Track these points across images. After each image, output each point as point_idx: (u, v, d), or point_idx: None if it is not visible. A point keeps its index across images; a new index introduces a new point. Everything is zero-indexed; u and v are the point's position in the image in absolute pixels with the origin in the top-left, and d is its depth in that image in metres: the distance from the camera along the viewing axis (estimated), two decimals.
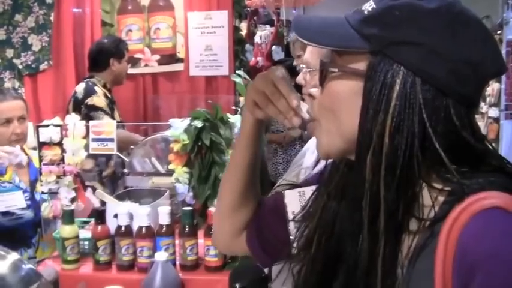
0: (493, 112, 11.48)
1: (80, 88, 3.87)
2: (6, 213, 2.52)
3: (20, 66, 4.68)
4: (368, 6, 0.91)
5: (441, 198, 0.84)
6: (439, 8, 0.86)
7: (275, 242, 1.18)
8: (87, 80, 3.97)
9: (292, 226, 1.11)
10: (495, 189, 0.80)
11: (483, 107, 11.93)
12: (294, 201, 1.14)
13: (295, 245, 1.08)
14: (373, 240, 0.87)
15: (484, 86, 0.90)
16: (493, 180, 0.82)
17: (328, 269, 0.98)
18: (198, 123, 2.23)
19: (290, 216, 1.13)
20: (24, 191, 2.61)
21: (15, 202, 2.56)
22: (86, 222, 2.55)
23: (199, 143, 2.23)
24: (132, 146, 3.31)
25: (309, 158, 1.78)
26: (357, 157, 0.89)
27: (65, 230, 2.25)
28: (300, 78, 1.69)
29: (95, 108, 3.72)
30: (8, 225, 2.53)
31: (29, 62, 4.69)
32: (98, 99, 3.77)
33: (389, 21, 0.87)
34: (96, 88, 3.84)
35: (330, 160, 1.04)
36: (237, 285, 0.89)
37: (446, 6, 0.86)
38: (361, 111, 0.87)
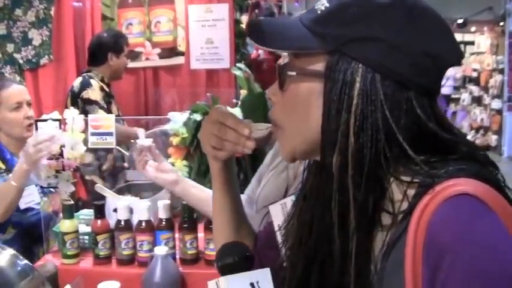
0: (496, 104, 11.52)
1: (77, 82, 3.88)
2: (26, 210, 2.54)
3: (21, 61, 4.67)
4: (321, 5, 0.90)
5: (411, 191, 0.83)
6: (393, 2, 0.85)
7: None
8: (85, 74, 3.97)
9: (279, 237, 1.11)
10: (464, 177, 0.80)
11: (486, 98, 11.96)
12: (278, 214, 1.15)
13: (282, 253, 1.07)
14: (345, 240, 0.87)
15: (443, 75, 0.90)
16: (462, 168, 0.82)
17: (307, 272, 0.98)
18: (197, 117, 2.22)
19: (276, 229, 1.13)
20: (36, 185, 2.62)
21: (33, 197, 2.57)
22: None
23: (199, 136, 2.22)
24: (132, 140, 3.30)
25: None
26: (322, 158, 0.89)
27: (65, 225, 2.25)
28: None
29: (89, 101, 3.72)
30: (30, 221, 2.53)
31: (30, 57, 4.68)
32: (93, 93, 3.77)
33: (344, 18, 0.86)
34: (92, 81, 3.84)
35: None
36: (224, 262, 0.89)
37: (400, 0, 0.86)
38: (323, 112, 0.87)
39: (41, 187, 2.51)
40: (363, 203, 0.85)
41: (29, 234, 2.53)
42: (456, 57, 0.89)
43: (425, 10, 0.87)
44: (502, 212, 0.76)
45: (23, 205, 2.51)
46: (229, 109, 2.32)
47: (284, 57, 0.97)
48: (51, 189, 2.53)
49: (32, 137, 2.37)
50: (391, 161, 0.84)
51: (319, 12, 0.89)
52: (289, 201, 1.13)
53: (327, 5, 0.89)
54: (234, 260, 0.91)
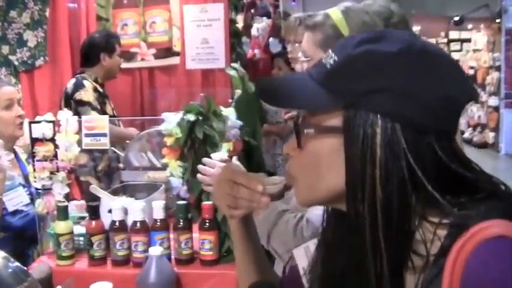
0: (493, 101, 11.54)
1: (70, 83, 3.88)
2: (15, 212, 2.53)
3: (16, 63, 4.65)
4: (329, 59, 0.89)
5: (442, 232, 0.83)
6: (400, 50, 0.85)
7: None
8: (78, 75, 3.97)
9: (305, 281, 1.11)
10: (495, 217, 0.79)
11: (483, 96, 11.95)
12: (302, 257, 1.14)
13: None
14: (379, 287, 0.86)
15: (460, 114, 0.90)
16: (492, 208, 0.81)
17: None
18: (191, 117, 2.21)
19: (301, 272, 1.13)
20: (24, 186, 2.61)
21: (21, 199, 2.56)
22: (82, 218, 2.53)
23: (193, 137, 2.22)
24: (127, 141, 3.30)
25: None
26: (350, 212, 0.88)
27: (59, 226, 2.25)
28: (298, 68, 1.69)
29: (81, 103, 3.72)
30: (19, 224, 2.53)
31: (25, 58, 4.67)
32: (86, 94, 3.77)
33: (354, 72, 0.85)
34: (85, 82, 3.84)
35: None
36: None
37: (408, 47, 0.85)
38: (347, 167, 0.86)
39: (36, 189, 2.51)
40: (394, 253, 0.85)
41: (20, 236, 2.52)
42: (469, 94, 0.89)
43: (434, 54, 0.87)
44: None
45: (11, 207, 2.50)
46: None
47: (299, 113, 0.96)
48: (40, 191, 2.51)
49: None
50: (419, 204, 0.84)
51: (328, 67, 0.89)
52: (312, 244, 1.12)
53: (335, 58, 0.88)
54: None
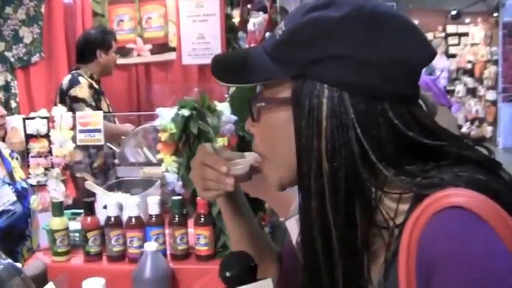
0: (491, 95, 11.53)
1: (65, 80, 3.86)
2: (2, 213, 2.51)
3: (12, 59, 4.65)
4: (279, 30, 0.87)
5: (405, 205, 0.81)
6: (349, 14, 0.81)
7: None
8: (74, 71, 3.96)
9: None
10: (457, 186, 0.76)
11: (480, 90, 11.95)
12: (294, 229, 1.13)
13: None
14: (330, 268, 0.84)
15: (418, 77, 0.86)
16: (455, 176, 0.78)
17: None
18: (185, 112, 2.21)
19: (294, 243, 1.12)
20: (9, 184, 2.60)
21: (7, 197, 2.55)
22: (77, 214, 2.53)
23: (187, 132, 2.21)
24: (123, 137, 3.30)
25: None
26: (299, 186, 0.86)
27: (55, 222, 2.24)
28: None
29: (76, 99, 3.70)
30: (4, 225, 2.52)
31: (21, 55, 4.66)
32: (81, 90, 3.75)
33: (302, 40, 0.83)
34: (80, 79, 3.82)
35: None
36: (227, 274, 0.88)
37: (356, 10, 0.82)
38: (296, 139, 0.84)
39: (31, 185, 2.50)
40: (345, 228, 0.82)
41: (8, 235, 2.50)
42: (426, 55, 0.85)
43: (384, 15, 0.83)
44: (496, 222, 0.72)
45: None
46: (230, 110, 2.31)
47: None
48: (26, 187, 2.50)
49: None
50: (377, 177, 0.81)
51: (277, 37, 0.86)
52: None
53: (284, 28, 0.86)
54: (239, 270, 0.90)
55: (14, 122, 2.98)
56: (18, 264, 1.47)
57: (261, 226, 2.30)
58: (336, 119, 0.80)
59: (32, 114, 2.45)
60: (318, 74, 0.82)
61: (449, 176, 0.78)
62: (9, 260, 1.36)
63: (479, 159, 0.82)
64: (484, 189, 0.75)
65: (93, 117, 2.48)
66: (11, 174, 2.66)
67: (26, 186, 2.61)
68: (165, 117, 2.24)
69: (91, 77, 3.92)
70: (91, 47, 3.96)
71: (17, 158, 2.79)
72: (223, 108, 2.29)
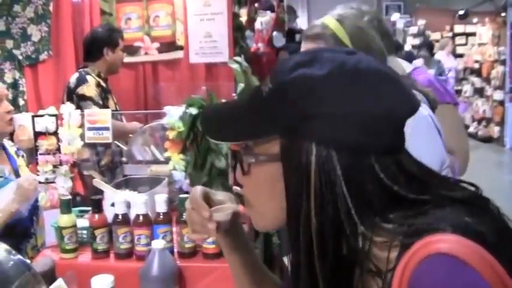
0: (498, 95, 11.50)
1: (73, 78, 3.87)
2: None
3: (20, 57, 4.67)
4: (265, 87, 0.88)
5: (394, 254, 0.81)
6: (331, 72, 0.83)
7: None
8: (81, 69, 3.97)
9: None
10: (443, 229, 0.76)
11: (488, 89, 11.92)
12: None
13: None
14: None
15: (403, 128, 0.87)
16: (440, 219, 0.79)
17: None
18: (193, 110, 2.22)
19: None
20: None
21: None
22: (84, 211, 2.55)
23: (195, 130, 2.22)
24: (130, 135, 3.31)
25: None
26: (289, 239, 0.88)
27: (63, 220, 2.25)
28: None
29: (83, 97, 3.71)
30: (9, 222, 2.53)
31: (29, 53, 4.68)
32: (88, 89, 3.76)
33: (287, 99, 0.84)
34: (88, 77, 3.83)
35: None
36: None
37: (338, 67, 0.83)
38: (286, 194, 0.86)
39: (39, 182, 2.51)
40: (334, 279, 0.84)
41: (11, 232, 2.50)
42: (409, 107, 0.86)
43: (366, 71, 0.84)
44: (481, 266, 0.73)
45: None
46: None
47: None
48: None
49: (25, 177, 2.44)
50: (367, 228, 0.83)
51: (264, 94, 0.88)
52: None
53: (270, 86, 0.87)
54: None
55: (22, 119, 3.00)
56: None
57: (269, 236, 2.30)
58: (323, 176, 0.82)
59: (40, 112, 2.47)
60: (304, 132, 0.83)
61: (436, 221, 0.78)
62: (19, 256, 1.37)
63: (466, 198, 0.84)
64: (469, 232, 0.76)
65: (101, 115, 2.49)
66: (16, 172, 2.67)
67: None
68: (173, 115, 2.25)
69: (98, 75, 3.93)
70: (98, 45, 3.97)
71: (22, 156, 2.80)
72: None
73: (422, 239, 0.76)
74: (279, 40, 5.61)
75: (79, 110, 2.51)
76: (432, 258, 0.74)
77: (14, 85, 4.64)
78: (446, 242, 0.75)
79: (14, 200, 2.46)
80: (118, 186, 2.58)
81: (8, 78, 4.64)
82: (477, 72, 12.68)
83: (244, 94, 2.44)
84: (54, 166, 2.42)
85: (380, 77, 0.85)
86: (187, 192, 2.27)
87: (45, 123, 2.40)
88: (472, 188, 0.87)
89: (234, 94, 2.80)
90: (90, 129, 2.47)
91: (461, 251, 0.73)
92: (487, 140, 11.60)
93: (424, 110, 1.67)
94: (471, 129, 11.95)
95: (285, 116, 0.84)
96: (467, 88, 12.90)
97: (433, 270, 0.74)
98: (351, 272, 0.85)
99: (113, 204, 2.25)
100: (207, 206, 1.05)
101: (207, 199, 1.08)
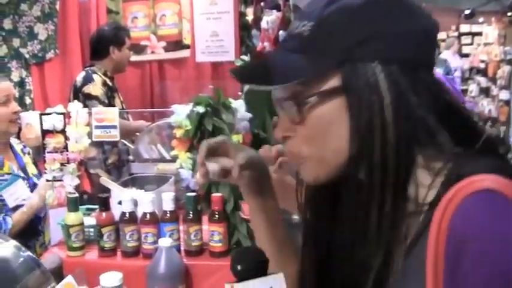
0: (504, 95, 11.45)
1: (80, 77, 3.87)
2: (16, 208, 2.54)
3: (27, 56, 4.69)
4: (302, 27, 0.88)
5: (439, 179, 0.82)
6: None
7: None
8: (88, 68, 3.97)
9: None
10: (490, 172, 0.78)
11: (494, 89, 11.88)
12: None
13: None
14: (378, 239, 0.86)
15: (436, 45, 0.92)
16: (489, 164, 0.80)
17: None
18: (201, 109, 2.21)
19: None
20: (23, 179, 2.62)
21: (21, 192, 2.57)
22: (91, 209, 2.55)
23: (202, 129, 2.22)
24: (137, 133, 3.32)
25: None
26: (352, 169, 0.87)
27: (70, 218, 2.26)
28: None
29: (89, 96, 3.72)
30: None
31: (36, 51, 4.70)
32: (94, 88, 3.77)
33: (336, 29, 0.85)
34: (94, 76, 3.84)
35: None
36: (239, 267, 0.88)
37: None
38: (353, 123, 0.85)
39: (46, 180, 2.52)
40: (397, 200, 0.84)
41: (21, 231, 2.52)
42: (436, 26, 0.90)
43: None
44: None
45: (12, 203, 2.51)
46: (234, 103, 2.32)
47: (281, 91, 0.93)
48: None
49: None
50: (422, 148, 0.85)
51: (306, 34, 0.87)
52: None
53: (312, 23, 0.87)
54: (250, 264, 0.91)
55: (29, 118, 3.01)
56: None
57: None
58: (395, 91, 0.83)
59: (48, 110, 2.47)
60: (365, 55, 0.84)
61: (483, 162, 0.81)
62: (29, 253, 1.37)
63: (503, 151, 0.88)
64: (508, 174, 0.78)
65: (108, 114, 2.49)
66: (24, 170, 2.68)
67: (37, 182, 2.63)
68: (181, 113, 2.25)
69: (105, 74, 3.94)
70: (104, 43, 3.97)
71: (29, 153, 2.81)
72: (238, 105, 2.29)
73: (469, 175, 0.78)
74: None
75: (86, 109, 2.52)
76: (478, 195, 0.76)
77: (21, 83, 4.66)
78: (491, 180, 0.76)
79: (40, 196, 2.49)
80: (125, 184, 2.59)
81: (15, 76, 4.66)
82: (483, 72, 12.63)
83: (251, 93, 2.44)
84: (62, 164, 2.43)
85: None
86: (194, 191, 2.27)
87: (53, 121, 2.41)
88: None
89: (240, 93, 2.80)
90: (97, 127, 2.48)
91: (505, 188, 0.75)
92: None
93: None
94: None
95: (339, 46, 0.85)
96: (473, 88, 12.86)
97: (479, 206, 0.75)
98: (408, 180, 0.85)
99: (120, 202, 2.25)
100: (204, 152, 1.05)
101: (224, 148, 1.07)
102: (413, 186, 0.85)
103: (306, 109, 0.88)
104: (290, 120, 0.91)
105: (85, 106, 3.32)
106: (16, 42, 4.68)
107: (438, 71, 5.76)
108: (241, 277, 0.89)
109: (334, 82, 0.86)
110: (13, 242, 1.38)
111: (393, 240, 0.85)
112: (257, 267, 0.90)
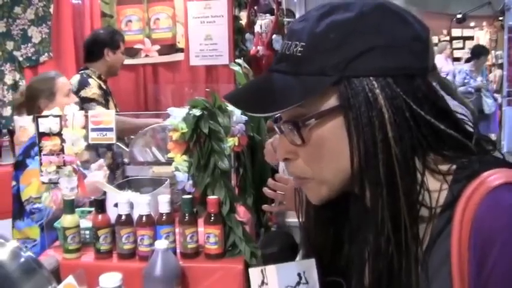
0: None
1: (74, 80, 3.87)
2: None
3: (21, 59, 4.69)
4: (294, 47, 0.88)
5: (447, 182, 0.84)
6: (360, 10, 0.86)
7: None
8: (82, 71, 3.98)
9: None
10: (497, 168, 0.81)
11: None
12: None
13: None
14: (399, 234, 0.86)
15: (429, 49, 0.91)
16: (491, 161, 0.84)
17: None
18: (197, 112, 2.22)
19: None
20: None
21: None
22: (87, 212, 2.56)
23: (198, 131, 2.23)
24: (140, 131, 3.32)
25: None
26: (360, 185, 0.87)
27: (66, 220, 2.26)
28: None
29: (87, 100, 3.73)
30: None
31: (29, 54, 4.71)
32: (91, 91, 3.78)
33: (329, 47, 0.85)
34: (90, 80, 3.85)
35: None
36: (267, 251, 0.89)
37: (363, 6, 0.86)
38: (354, 140, 0.85)
39: (42, 183, 2.52)
40: (412, 208, 0.85)
41: None
42: (426, 29, 0.90)
43: (384, 3, 0.88)
44: None
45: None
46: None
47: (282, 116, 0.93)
48: None
49: None
50: (425, 154, 0.86)
51: (299, 54, 0.87)
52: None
53: (303, 43, 0.86)
54: (279, 249, 0.91)
55: (23, 121, 3.01)
56: None
57: (267, 226, 2.32)
58: (393, 103, 0.83)
59: (44, 113, 2.47)
60: (358, 71, 0.84)
61: (488, 160, 0.84)
62: (30, 253, 1.38)
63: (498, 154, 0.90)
64: None
65: (105, 116, 2.49)
66: None
67: None
68: (177, 116, 2.26)
69: (99, 78, 3.95)
70: (99, 45, 3.98)
71: None
72: (234, 108, 2.30)
73: (484, 172, 0.80)
74: (279, 43, 5.62)
75: (83, 111, 2.52)
76: (500, 189, 0.78)
77: (14, 86, 4.65)
78: (504, 174, 0.79)
79: None
80: (120, 187, 2.59)
81: (9, 79, 4.66)
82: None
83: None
84: (58, 167, 2.43)
85: (395, 6, 0.89)
86: (190, 193, 2.28)
87: (49, 124, 2.40)
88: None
89: None
90: (94, 130, 2.48)
91: None
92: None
93: None
94: None
95: (332, 64, 0.84)
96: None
97: (503, 199, 0.77)
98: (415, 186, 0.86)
99: (116, 205, 2.26)
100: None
101: None
102: (423, 192, 0.85)
103: (306, 131, 0.88)
104: (290, 142, 0.91)
105: (82, 110, 3.33)
106: (10, 45, 4.68)
107: None
108: (270, 261, 0.90)
109: (332, 101, 0.86)
110: (14, 243, 1.38)
111: (410, 249, 0.85)
112: (287, 251, 0.91)
